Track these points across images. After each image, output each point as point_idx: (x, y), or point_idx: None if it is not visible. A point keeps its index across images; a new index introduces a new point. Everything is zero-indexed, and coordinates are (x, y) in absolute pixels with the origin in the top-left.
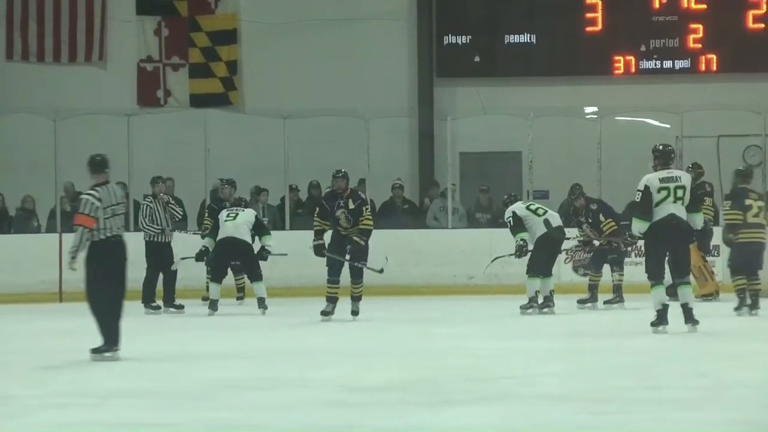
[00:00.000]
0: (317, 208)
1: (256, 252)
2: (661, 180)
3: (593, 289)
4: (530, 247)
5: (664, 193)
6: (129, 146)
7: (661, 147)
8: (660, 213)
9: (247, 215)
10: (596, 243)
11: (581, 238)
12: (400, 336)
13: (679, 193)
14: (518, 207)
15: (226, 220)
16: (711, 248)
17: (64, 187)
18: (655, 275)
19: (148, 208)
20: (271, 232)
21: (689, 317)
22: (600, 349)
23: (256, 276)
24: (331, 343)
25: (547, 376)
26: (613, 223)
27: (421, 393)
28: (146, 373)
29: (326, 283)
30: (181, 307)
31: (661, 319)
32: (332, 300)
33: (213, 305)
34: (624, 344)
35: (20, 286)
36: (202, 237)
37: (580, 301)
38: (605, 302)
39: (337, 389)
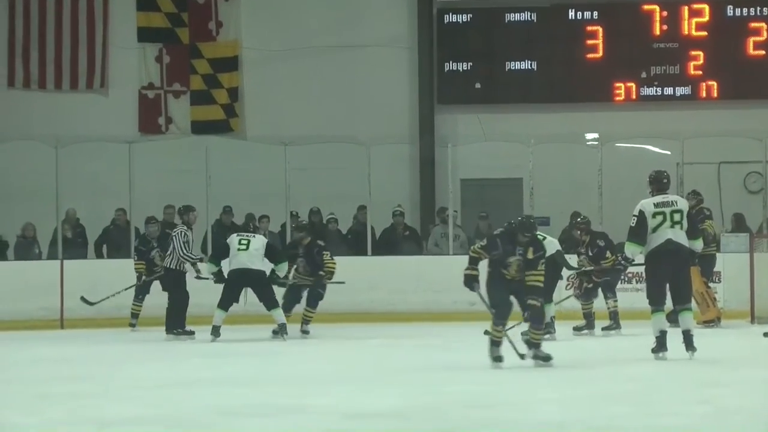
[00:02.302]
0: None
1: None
2: (656, 205)
3: (588, 316)
4: None
5: (659, 218)
6: (130, 173)
7: (654, 173)
8: (658, 239)
9: (258, 242)
10: (591, 276)
11: (579, 270)
12: (400, 362)
13: (676, 217)
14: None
15: (239, 249)
16: (713, 274)
17: (67, 214)
18: (655, 301)
19: (185, 235)
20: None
21: (689, 344)
22: (598, 376)
23: (272, 304)
24: (330, 369)
25: (545, 403)
26: (614, 259)
27: (420, 420)
28: (145, 400)
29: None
30: (191, 333)
31: (660, 345)
32: None
33: (215, 331)
34: (622, 371)
35: (21, 313)
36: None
37: (576, 328)
38: (603, 329)
39: (336, 416)
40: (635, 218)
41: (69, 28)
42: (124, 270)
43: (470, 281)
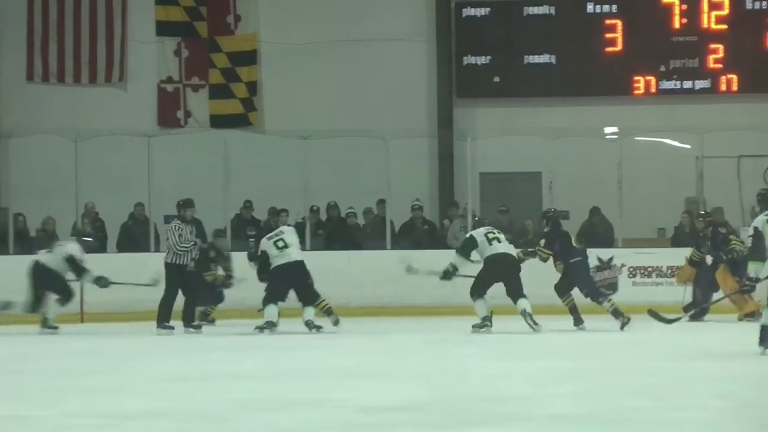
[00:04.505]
0: None
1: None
2: None
3: (574, 311)
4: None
5: None
6: (149, 167)
7: (763, 191)
8: None
9: (292, 236)
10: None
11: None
12: (416, 356)
13: None
14: (478, 232)
15: (280, 249)
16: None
17: (86, 207)
18: None
19: (179, 229)
20: None
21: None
22: (614, 369)
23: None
24: (346, 363)
25: (561, 397)
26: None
27: (435, 414)
28: (162, 394)
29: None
30: (199, 327)
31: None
32: None
33: (271, 326)
34: (639, 365)
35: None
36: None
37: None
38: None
39: (352, 410)
40: (751, 237)
41: (88, 21)
42: (142, 264)
43: None
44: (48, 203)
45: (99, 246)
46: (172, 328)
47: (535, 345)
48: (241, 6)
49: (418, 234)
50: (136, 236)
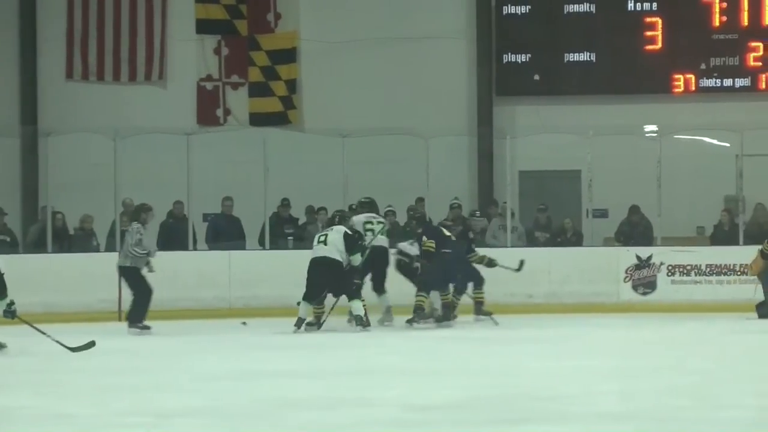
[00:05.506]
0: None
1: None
2: None
3: (446, 307)
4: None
5: None
6: (188, 165)
7: None
8: None
9: (336, 235)
10: None
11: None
12: (459, 355)
13: None
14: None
15: (318, 242)
16: None
17: (124, 203)
18: None
19: (139, 233)
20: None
21: None
22: (658, 368)
23: (351, 294)
24: (389, 361)
25: (607, 395)
26: None
27: (481, 412)
28: (204, 392)
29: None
30: (147, 327)
31: None
32: None
33: (300, 323)
34: (682, 364)
35: (80, 305)
36: None
37: (437, 320)
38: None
39: (397, 408)
40: None
41: (128, 19)
42: (181, 262)
43: None
44: (87, 202)
45: None
46: (149, 327)
47: (580, 344)
48: (281, 4)
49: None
50: (175, 234)
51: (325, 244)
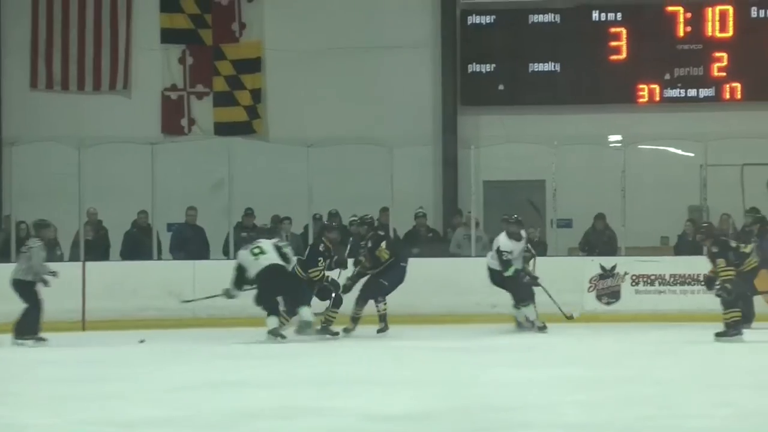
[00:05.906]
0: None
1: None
2: None
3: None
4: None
5: None
6: (153, 175)
7: None
8: None
9: (269, 246)
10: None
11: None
12: (423, 364)
13: None
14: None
15: (257, 255)
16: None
17: (87, 213)
18: None
19: (42, 250)
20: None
21: None
22: (622, 378)
23: (301, 301)
24: (351, 371)
25: (570, 406)
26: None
27: (443, 423)
28: (167, 402)
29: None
30: (44, 339)
31: None
32: None
33: (276, 332)
34: (647, 374)
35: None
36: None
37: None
38: (378, 331)
39: (357, 418)
40: None
41: (92, 29)
42: (146, 271)
43: None
44: (51, 211)
45: (103, 254)
46: (45, 339)
47: (544, 354)
48: (246, 13)
49: (422, 242)
50: (139, 244)
51: (264, 254)
